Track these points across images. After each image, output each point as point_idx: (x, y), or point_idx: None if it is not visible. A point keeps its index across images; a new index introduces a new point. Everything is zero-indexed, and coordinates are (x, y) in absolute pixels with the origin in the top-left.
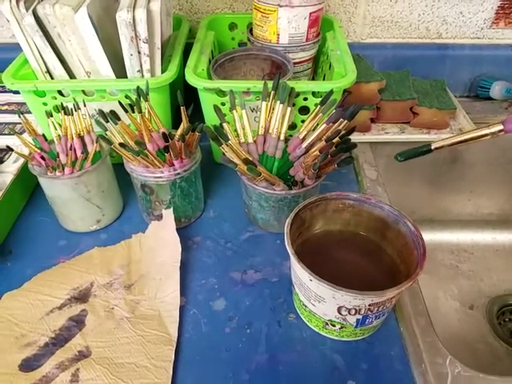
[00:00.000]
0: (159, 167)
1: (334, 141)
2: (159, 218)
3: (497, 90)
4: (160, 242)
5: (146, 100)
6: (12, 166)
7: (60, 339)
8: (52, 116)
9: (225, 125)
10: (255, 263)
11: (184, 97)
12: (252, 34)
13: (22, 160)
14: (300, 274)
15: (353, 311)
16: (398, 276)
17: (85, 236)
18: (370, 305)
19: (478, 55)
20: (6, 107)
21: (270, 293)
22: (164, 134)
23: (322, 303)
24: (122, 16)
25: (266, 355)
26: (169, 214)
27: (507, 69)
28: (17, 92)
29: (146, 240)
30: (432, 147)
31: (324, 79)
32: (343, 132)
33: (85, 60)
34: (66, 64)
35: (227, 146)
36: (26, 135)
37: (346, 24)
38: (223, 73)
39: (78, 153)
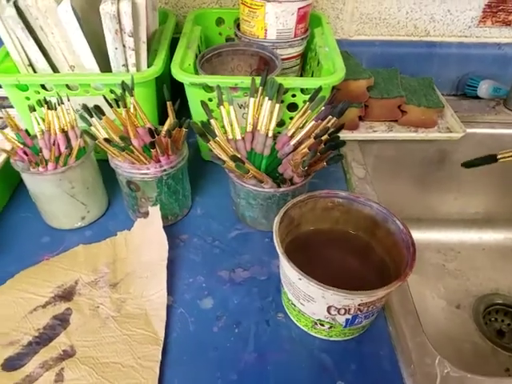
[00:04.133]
0: (145, 163)
1: (323, 138)
2: (145, 215)
3: (484, 88)
4: (146, 239)
5: (131, 95)
6: None
7: (44, 338)
8: (35, 110)
9: (212, 121)
10: (243, 261)
11: (171, 92)
12: (239, 29)
13: (3, 155)
14: (289, 272)
15: (342, 311)
16: (388, 275)
17: (69, 233)
18: (359, 304)
19: (465, 53)
20: None
21: (259, 291)
22: (150, 129)
23: (311, 302)
24: (106, 8)
25: (255, 354)
26: (155, 212)
27: (494, 67)
28: None
29: (132, 237)
30: (498, 157)
31: (312, 76)
32: (332, 129)
33: (68, 54)
34: (48, 57)
35: (215, 142)
36: (7, 130)
37: (334, 21)
38: (211, 68)
39: (62, 148)
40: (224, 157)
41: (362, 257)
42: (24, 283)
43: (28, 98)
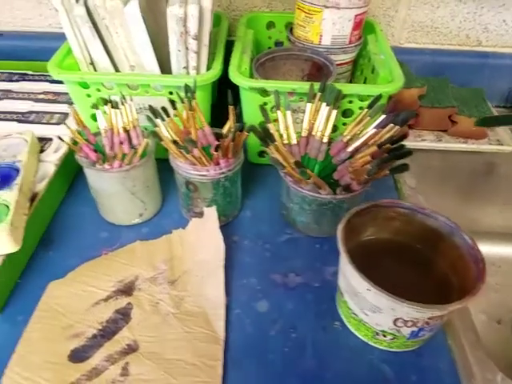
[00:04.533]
0: (206, 165)
1: (385, 147)
2: (199, 215)
3: None
4: (200, 239)
5: (193, 98)
6: (53, 156)
7: (107, 331)
8: (98, 108)
9: (270, 125)
10: (295, 267)
11: (217, 95)
12: (292, 33)
13: (62, 150)
14: (355, 283)
15: (409, 323)
16: (449, 289)
17: (126, 229)
18: (429, 318)
19: None
20: (42, 96)
21: (313, 298)
22: (217, 133)
23: (377, 313)
24: (174, 11)
25: (314, 361)
26: (212, 212)
27: None
28: (54, 81)
29: (187, 236)
30: None
31: (365, 82)
32: (394, 138)
33: (130, 53)
34: (110, 56)
35: (274, 147)
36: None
37: (385, 27)
38: (263, 72)
39: (126, 147)
40: (282, 161)
41: (422, 269)
42: (85, 276)
43: (89, 96)
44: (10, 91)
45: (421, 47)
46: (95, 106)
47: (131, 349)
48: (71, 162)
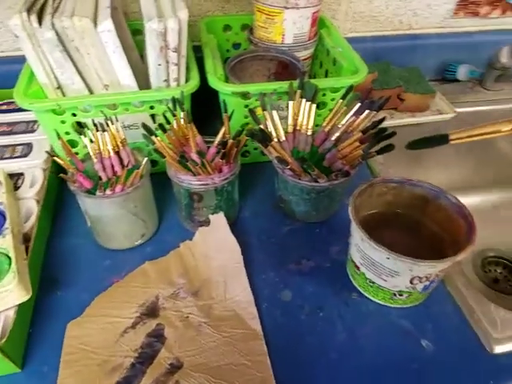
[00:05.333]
0: (210, 174)
1: (372, 131)
2: (205, 223)
3: (462, 72)
4: (212, 246)
5: (183, 110)
6: (30, 191)
7: (145, 357)
8: (82, 134)
9: (262, 127)
10: (304, 253)
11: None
12: (253, 34)
13: (39, 183)
14: (373, 254)
15: (424, 279)
16: (441, 245)
17: (129, 252)
18: (440, 271)
19: (442, 43)
20: None
21: (327, 277)
22: (223, 141)
23: (395, 277)
24: (153, 26)
25: (345, 333)
26: (219, 218)
27: (467, 53)
28: (2, 111)
29: (196, 247)
30: (450, 138)
31: (327, 75)
32: (374, 122)
33: (103, 73)
34: (83, 78)
35: (272, 146)
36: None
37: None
38: (233, 75)
39: (118, 168)
40: (286, 158)
41: (416, 233)
42: (104, 308)
43: (64, 122)
44: None
45: (362, 36)
46: (81, 132)
47: (175, 367)
48: (49, 194)
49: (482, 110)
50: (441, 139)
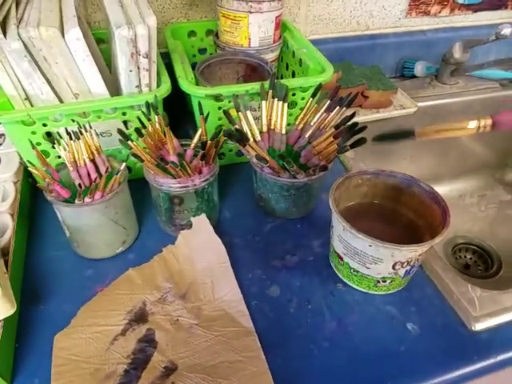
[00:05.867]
0: (190, 176)
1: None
2: (186, 226)
3: (419, 68)
4: (196, 249)
5: (157, 114)
6: (3, 206)
7: (138, 362)
8: (55, 144)
9: (238, 127)
10: (288, 249)
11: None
12: (218, 39)
13: (11, 196)
14: (356, 243)
15: (405, 264)
16: (417, 230)
17: (111, 260)
18: (419, 255)
19: (399, 41)
20: None
21: (312, 270)
22: (203, 142)
23: (378, 264)
24: (123, 33)
25: (334, 322)
26: (202, 220)
27: (421, 50)
28: None
29: (180, 250)
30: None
31: (293, 75)
32: (345, 117)
33: (72, 81)
34: (52, 87)
35: (249, 145)
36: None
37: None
38: (203, 79)
39: (94, 176)
40: (265, 156)
41: (392, 221)
42: (91, 318)
43: (34, 133)
44: None
45: (323, 37)
46: (55, 142)
47: (170, 369)
48: (23, 207)
49: (441, 103)
50: (407, 134)
